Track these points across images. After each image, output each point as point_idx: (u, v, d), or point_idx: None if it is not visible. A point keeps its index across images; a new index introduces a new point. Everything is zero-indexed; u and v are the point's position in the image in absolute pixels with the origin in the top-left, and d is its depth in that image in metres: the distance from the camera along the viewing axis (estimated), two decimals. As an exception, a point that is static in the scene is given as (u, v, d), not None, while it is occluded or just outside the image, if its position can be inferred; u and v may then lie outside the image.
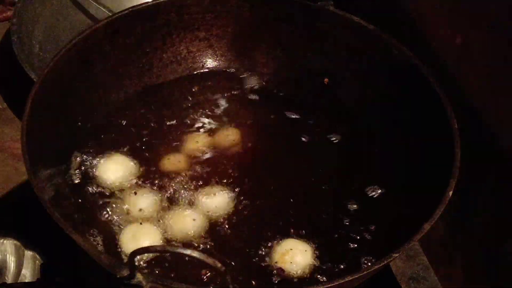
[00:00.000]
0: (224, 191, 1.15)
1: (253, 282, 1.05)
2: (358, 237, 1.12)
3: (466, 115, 1.16)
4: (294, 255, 1.07)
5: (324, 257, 1.08)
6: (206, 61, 1.37)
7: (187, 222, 1.11)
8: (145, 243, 1.06)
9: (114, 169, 1.17)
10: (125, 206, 1.12)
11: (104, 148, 1.21)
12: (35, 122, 1.06)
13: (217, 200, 1.14)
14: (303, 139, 1.27)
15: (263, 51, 1.36)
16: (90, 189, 1.15)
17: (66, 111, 1.19)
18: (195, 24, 1.33)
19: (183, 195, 1.15)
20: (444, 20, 1.24)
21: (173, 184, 1.16)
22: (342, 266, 1.07)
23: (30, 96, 1.07)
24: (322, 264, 1.07)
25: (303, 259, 1.07)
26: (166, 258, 1.06)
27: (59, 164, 1.15)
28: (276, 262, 1.07)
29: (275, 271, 1.06)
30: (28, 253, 1.31)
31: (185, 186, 1.16)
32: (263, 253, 1.08)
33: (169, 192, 1.15)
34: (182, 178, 1.17)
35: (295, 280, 1.05)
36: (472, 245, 1.22)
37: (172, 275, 1.04)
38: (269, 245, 1.09)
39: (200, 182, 1.17)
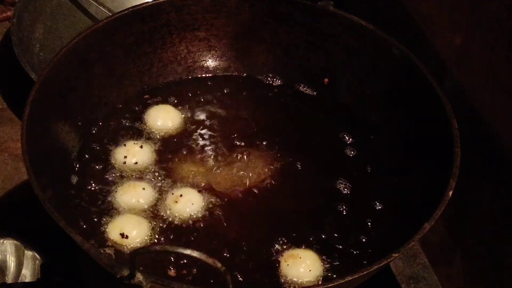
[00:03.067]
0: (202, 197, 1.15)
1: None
2: (358, 238, 1.12)
3: (466, 115, 1.16)
4: (301, 263, 1.06)
5: (325, 258, 1.08)
6: (206, 61, 1.37)
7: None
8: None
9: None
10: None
11: (104, 148, 1.21)
12: (35, 122, 1.06)
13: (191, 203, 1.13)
14: (303, 139, 1.27)
15: (263, 51, 1.36)
16: (90, 188, 1.15)
17: (66, 111, 1.19)
18: (195, 24, 1.33)
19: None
20: (444, 20, 1.24)
21: (172, 183, 1.17)
22: (342, 266, 1.07)
23: (30, 96, 1.07)
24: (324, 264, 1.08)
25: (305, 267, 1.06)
26: (166, 258, 1.06)
27: (59, 164, 1.15)
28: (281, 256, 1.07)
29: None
30: (28, 253, 1.31)
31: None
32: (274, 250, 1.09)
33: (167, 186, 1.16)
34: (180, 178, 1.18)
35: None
36: (472, 245, 1.22)
37: (172, 275, 1.04)
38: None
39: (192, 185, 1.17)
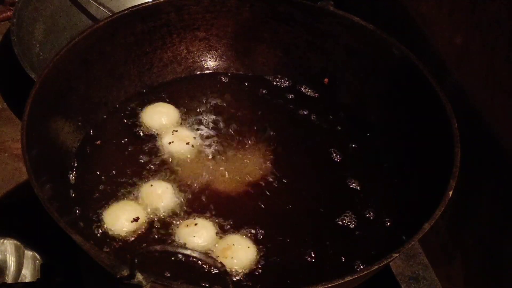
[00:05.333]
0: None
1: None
2: (358, 237, 1.12)
3: (466, 115, 1.16)
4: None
5: (324, 257, 1.08)
6: (206, 61, 1.37)
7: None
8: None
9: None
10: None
11: (104, 147, 1.21)
12: (35, 122, 1.06)
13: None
14: (302, 139, 1.27)
15: (263, 51, 1.36)
16: (90, 188, 1.15)
17: (66, 111, 1.19)
18: (195, 24, 1.33)
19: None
20: (444, 20, 1.24)
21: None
22: (342, 266, 1.07)
23: (30, 96, 1.07)
24: (321, 263, 1.08)
25: None
26: (166, 258, 1.06)
27: (59, 164, 1.15)
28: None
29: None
30: (28, 253, 1.31)
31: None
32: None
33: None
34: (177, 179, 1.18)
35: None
36: (472, 245, 1.22)
37: (172, 275, 1.04)
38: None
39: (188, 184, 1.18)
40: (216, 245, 1.08)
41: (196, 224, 1.10)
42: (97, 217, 1.11)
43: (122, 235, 1.09)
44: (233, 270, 1.05)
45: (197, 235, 1.08)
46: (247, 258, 1.06)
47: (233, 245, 1.07)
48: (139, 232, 1.09)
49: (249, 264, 1.06)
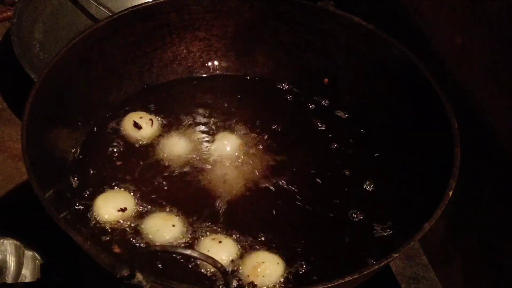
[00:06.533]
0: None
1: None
2: (358, 237, 1.12)
3: (466, 115, 1.16)
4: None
5: (325, 258, 1.09)
6: (206, 61, 1.37)
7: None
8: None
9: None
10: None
11: (104, 148, 1.21)
12: (35, 122, 1.06)
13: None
14: (302, 139, 1.27)
15: (263, 51, 1.36)
16: (90, 188, 1.15)
17: (66, 111, 1.19)
18: (195, 24, 1.33)
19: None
20: (444, 20, 1.24)
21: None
22: (341, 266, 1.07)
23: (30, 96, 1.07)
24: (322, 265, 1.08)
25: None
26: (165, 258, 1.06)
27: (59, 164, 1.15)
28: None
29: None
30: (28, 253, 1.31)
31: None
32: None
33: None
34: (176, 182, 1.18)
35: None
36: (472, 245, 1.22)
37: (172, 275, 1.04)
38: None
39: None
40: (241, 265, 1.05)
41: (220, 242, 1.06)
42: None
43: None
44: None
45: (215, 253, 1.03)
46: (278, 274, 1.04)
47: (263, 262, 1.04)
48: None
49: (279, 279, 1.05)
